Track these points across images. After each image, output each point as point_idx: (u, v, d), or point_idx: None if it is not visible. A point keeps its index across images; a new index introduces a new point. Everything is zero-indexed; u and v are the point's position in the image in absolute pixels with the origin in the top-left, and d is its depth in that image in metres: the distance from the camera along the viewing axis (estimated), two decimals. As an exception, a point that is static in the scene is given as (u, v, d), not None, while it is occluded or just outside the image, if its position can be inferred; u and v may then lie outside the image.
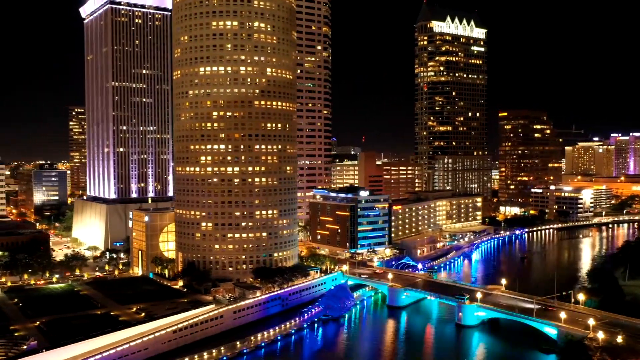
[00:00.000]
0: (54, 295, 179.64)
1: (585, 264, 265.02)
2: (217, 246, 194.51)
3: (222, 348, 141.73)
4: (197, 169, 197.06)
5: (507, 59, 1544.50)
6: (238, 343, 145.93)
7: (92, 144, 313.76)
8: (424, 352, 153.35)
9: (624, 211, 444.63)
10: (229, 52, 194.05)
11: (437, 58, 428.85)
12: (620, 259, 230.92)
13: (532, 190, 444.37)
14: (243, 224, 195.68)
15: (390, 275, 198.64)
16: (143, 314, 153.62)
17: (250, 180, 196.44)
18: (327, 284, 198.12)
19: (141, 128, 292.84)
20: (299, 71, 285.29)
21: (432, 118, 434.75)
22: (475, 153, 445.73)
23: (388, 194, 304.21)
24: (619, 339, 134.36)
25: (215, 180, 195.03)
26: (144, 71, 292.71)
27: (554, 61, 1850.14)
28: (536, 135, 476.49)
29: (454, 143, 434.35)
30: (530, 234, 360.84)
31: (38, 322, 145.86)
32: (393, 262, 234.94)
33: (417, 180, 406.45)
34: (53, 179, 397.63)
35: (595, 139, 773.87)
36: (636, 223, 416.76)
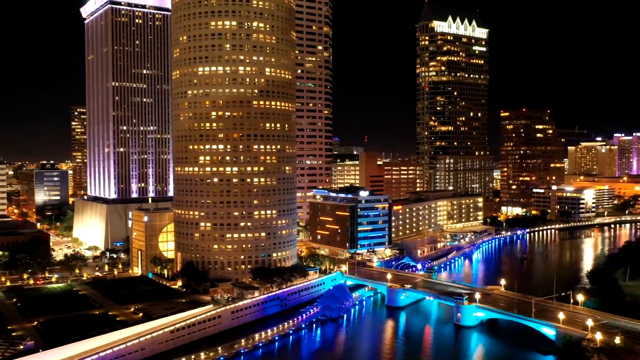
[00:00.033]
0: (52, 295, 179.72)
1: (586, 264, 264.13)
2: (215, 246, 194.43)
3: (219, 348, 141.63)
4: (196, 169, 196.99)
5: (509, 59, 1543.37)
6: (235, 343, 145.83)
7: (93, 144, 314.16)
8: (423, 353, 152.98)
9: (627, 211, 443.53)
10: (227, 52, 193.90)
11: (438, 58, 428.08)
12: (620, 259, 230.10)
13: (534, 190, 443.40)
14: (242, 224, 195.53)
15: (389, 276, 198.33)
16: (141, 314, 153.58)
17: (249, 180, 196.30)
18: (327, 284, 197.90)
19: (141, 128, 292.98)
20: (299, 71, 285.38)
21: (433, 118, 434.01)
22: (476, 153, 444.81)
23: (389, 194, 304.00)
24: (617, 340, 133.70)
25: (214, 180, 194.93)
26: (145, 71, 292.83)
27: (556, 61, 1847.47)
28: (538, 135, 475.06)
29: (455, 143, 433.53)
30: (532, 234, 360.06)
31: (36, 322, 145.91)
32: (393, 263, 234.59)
33: (418, 181, 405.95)
34: (55, 179, 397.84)
35: (598, 139, 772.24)
36: (638, 223, 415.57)
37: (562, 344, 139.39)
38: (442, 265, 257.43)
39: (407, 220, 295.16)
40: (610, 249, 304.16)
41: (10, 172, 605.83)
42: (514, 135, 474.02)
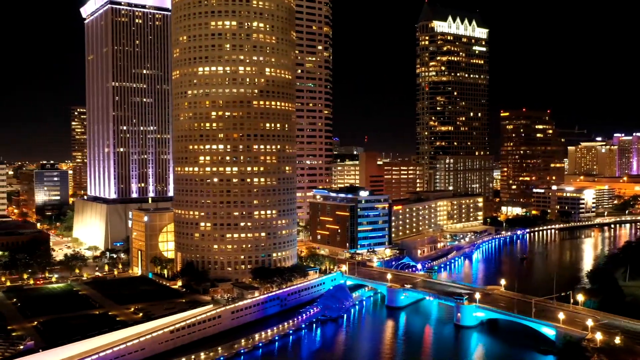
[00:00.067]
0: (52, 295, 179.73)
1: (586, 264, 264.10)
2: (215, 246, 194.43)
3: (219, 348, 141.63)
4: (196, 169, 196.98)
5: (509, 59, 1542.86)
6: (235, 343, 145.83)
7: (93, 144, 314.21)
8: (422, 353, 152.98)
9: (627, 211, 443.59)
10: (227, 52, 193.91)
11: (438, 58, 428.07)
12: (620, 259, 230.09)
13: (534, 190, 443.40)
14: (242, 224, 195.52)
15: (389, 276, 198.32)
16: (141, 314, 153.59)
17: (249, 180, 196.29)
18: (326, 284, 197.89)
19: (141, 128, 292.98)
20: (299, 71, 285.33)
21: (433, 118, 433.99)
22: (476, 153, 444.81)
23: (389, 194, 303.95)
24: (617, 340, 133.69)
25: (214, 180, 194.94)
26: (145, 71, 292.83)
27: (556, 61, 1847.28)
28: (538, 135, 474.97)
29: (455, 143, 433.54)
30: (532, 234, 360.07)
31: (36, 322, 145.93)
32: (393, 263, 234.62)
33: (418, 181, 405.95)
34: (55, 179, 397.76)
35: (598, 138, 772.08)
36: (638, 223, 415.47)
37: (562, 344, 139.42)
38: (442, 265, 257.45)
39: (407, 220, 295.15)
40: (610, 249, 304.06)
41: (11, 172, 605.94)
42: (514, 135, 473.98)
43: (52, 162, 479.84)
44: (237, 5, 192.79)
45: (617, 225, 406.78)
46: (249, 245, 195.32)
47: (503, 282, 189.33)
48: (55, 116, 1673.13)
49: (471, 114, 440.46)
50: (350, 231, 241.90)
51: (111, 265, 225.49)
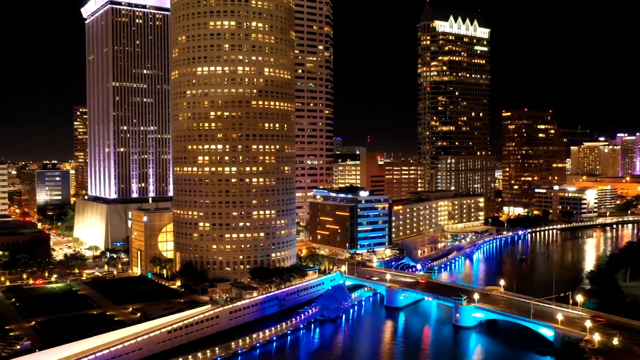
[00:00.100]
0: (51, 295, 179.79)
1: (587, 265, 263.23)
2: (214, 246, 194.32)
3: (216, 348, 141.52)
4: (195, 169, 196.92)
5: (511, 59, 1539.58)
6: (233, 343, 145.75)
7: (93, 144, 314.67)
8: (421, 354, 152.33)
9: (629, 212, 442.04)
10: (226, 52, 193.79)
11: (440, 58, 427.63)
12: (621, 259, 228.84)
13: (536, 190, 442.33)
14: (241, 224, 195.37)
15: (388, 276, 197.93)
16: (139, 314, 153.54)
17: (247, 180, 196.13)
18: (326, 285, 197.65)
19: (142, 128, 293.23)
20: (300, 71, 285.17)
21: (434, 118, 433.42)
22: (478, 153, 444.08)
23: (390, 194, 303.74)
24: (615, 341, 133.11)
25: (213, 180, 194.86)
26: (145, 71, 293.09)
27: (558, 61, 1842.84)
28: (540, 135, 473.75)
29: (456, 143, 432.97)
30: (534, 234, 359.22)
31: (34, 322, 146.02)
32: (393, 263, 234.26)
33: (419, 181, 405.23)
34: (56, 178, 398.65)
35: (601, 138, 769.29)
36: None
37: (561, 344, 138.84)
38: (442, 266, 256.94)
39: (408, 221, 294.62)
40: (611, 249, 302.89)
41: (13, 172, 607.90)
42: (516, 135, 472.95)
43: (54, 162, 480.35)
44: (236, 5, 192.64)
45: (619, 226, 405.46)
46: (248, 246, 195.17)
47: (502, 282, 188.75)
48: (56, 116, 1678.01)
49: (473, 113, 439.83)
50: (350, 231, 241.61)
51: (111, 265, 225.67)
